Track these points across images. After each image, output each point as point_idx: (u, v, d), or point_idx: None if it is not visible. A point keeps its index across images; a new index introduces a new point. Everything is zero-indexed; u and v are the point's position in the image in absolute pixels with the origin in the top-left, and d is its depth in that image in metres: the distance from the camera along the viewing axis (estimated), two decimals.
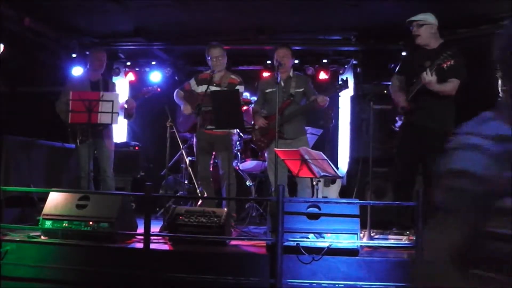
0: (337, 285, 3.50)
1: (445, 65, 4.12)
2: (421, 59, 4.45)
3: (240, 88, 5.23)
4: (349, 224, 3.74)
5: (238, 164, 6.40)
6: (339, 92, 5.29)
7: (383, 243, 4.20)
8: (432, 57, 4.33)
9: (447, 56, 4.10)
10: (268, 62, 7.28)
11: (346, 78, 5.22)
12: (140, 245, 3.86)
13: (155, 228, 4.41)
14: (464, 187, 1.12)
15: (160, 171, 6.55)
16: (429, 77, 4.12)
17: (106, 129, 5.40)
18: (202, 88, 5.29)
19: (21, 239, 4.05)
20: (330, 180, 6.14)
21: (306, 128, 5.62)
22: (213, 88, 5.09)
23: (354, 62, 7.40)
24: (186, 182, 5.95)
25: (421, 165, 4.56)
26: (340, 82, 5.06)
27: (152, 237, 3.82)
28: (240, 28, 6.74)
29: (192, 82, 5.45)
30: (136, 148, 7.19)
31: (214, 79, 5.20)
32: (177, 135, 5.34)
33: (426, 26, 4.50)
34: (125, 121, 6.64)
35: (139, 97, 5.57)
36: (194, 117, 5.21)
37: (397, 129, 4.59)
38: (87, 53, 5.85)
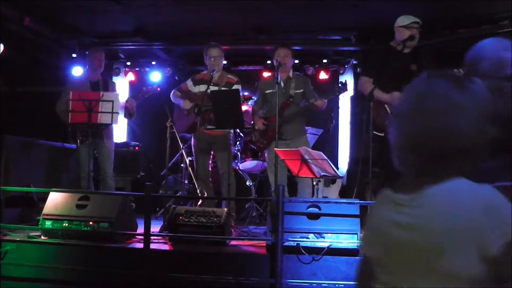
0: (337, 285, 3.50)
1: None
2: (402, 62, 4.43)
3: (238, 87, 5.24)
4: (349, 224, 3.74)
5: (238, 164, 6.40)
6: (338, 95, 5.28)
7: None
8: (415, 61, 4.38)
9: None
10: (268, 62, 7.28)
11: (345, 80, 5.21)
12: (140, 245, 3.85)
13: (155, 228, 4.41)
14: None
15: (160, 171, 6.54)
16: None
17: (106, 129, 5.40)
18: (199, 88, 5.29)
19: (21, 239, 4.05)
20: (330, 180, 6.14)
21: (306, 128, 5.62)
22: (212, 88, 5.09)
23: (354, 62, 7.41)
24: (186, 182, 5.95)
25: None
26: (339, 85, 5.04)
27: (152, 237, 3.82)
28: (240, 28, 6.74)
29: (189, 83, 5.45)
30: (136, 148, 7.19)
31: (213, 79, 5.20)
32: (177, 135, 5.34)
33: (419, 29, 4.51)
34: (125, 121, 6.64)
35: (138, 97, 5.57)
36: (192, 117, 5.22)
37: (381, 134, 4.50)
38: (87, 53, 5.86)
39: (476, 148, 1.24)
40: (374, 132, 4.43)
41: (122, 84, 7.90)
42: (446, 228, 1.18)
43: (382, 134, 4.49)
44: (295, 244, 3.61)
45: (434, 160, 1.25)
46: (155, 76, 7.97)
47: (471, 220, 1.15)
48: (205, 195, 5.15)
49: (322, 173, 4.30)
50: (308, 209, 3.81)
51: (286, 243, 3.54)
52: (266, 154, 5.35)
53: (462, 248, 1.16)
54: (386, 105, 4.47)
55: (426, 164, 1.26)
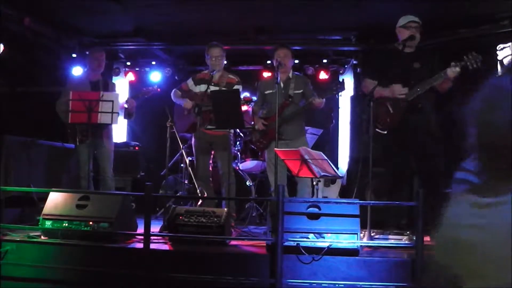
0: (337, 285, 3.50)
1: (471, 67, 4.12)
2: (403, 61, 4.42)
3: (239, 87, 5.25)
4: (349, 224, 3.74)
5: (238, 164, 6.41)
6: (336, 93, 5.28)
7: (383, 243, 4.19)
8: (418, 59, 4.37)
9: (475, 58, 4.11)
10: (268, 62, 7.28)
11: (343, 79, 5.23)
12: (140, 245, 3.85)
13: (155, 228, 4.42)
14: None
15: (160, 171, 6.55)
16: (458, 69, 4.16)
17: (106, 129, 5.40)
18: (200, 88, 5.30)
19: (21, 239, 4.05)
20: (330, 180, 6.14)
21: (306, 128, 5.62)
22: (212, 88, 5.09)
23: (354, 62, 7.41)
24: (186, 182, 5.95)
25: (414, 165, 4.60)
26: (337, 84, 5.04)
27: (152, 237, 3.82)
28: (240, 28, 6.74)
29: (190, 82, 5.45)
30: (136, 148, 7.19)
31: (213, 78, 5.20)
32: (177, 135, 5.34)
33: (419, 28, 4.51)
34: (125, 121, 6.64)
35: (138, 97, 5.57)
36: (192, 117, 5.22)
37: (384, 132, 4.51)
38: (87, 53, 5.86)
39: None
40: (377, 129, 4.44)
41: (122, 84, 7.90)
42: None
43: (385, 132, 4.50)
44: (295, 244, 3.61)
45: (499, 159, 1.16)
46: (155, 76, 7.97)
47: None
48: (205, 195, 5.15)
49: (322, 173, 4.30)
50: (308, 209, 3.81)
51: (286, 243, 3.54)
52: (266, 154, 5.35)
53: None
54: (387, 103, 4.49)
55: (494, 164, 1.18)
